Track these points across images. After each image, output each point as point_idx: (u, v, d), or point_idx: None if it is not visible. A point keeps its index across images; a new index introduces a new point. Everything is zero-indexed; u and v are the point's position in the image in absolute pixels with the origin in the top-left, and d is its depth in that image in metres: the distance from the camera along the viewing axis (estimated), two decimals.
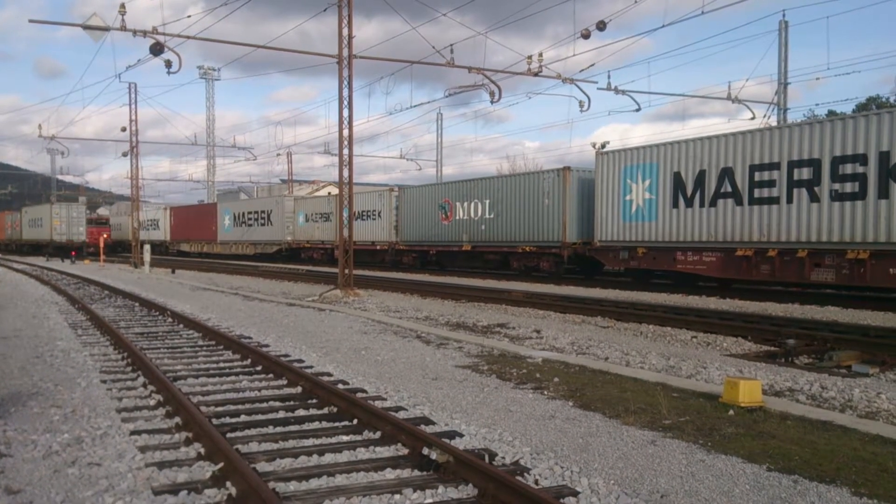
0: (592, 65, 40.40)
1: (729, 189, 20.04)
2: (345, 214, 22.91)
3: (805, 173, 18.28)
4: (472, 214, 30.67)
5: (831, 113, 38.22)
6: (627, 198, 23.16)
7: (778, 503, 4.80)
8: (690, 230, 21.12)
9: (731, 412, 7.01)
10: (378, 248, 37.21)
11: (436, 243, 33.13)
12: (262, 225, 47.53)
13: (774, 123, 31.17)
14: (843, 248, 17.45)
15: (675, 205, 21.56)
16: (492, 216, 29.59)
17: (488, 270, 30.84)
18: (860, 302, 17.79)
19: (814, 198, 18.07)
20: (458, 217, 31.60)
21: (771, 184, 19.02)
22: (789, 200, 18.61)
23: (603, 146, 24.47)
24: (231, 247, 51.57)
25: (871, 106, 41.22)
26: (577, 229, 25.97)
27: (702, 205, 20.79)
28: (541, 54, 24.37)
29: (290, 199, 47.51)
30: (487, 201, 29.83)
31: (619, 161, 23.54)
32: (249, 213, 49.64)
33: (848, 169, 17.38)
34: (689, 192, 21.17)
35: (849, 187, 17.40)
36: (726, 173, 20.09)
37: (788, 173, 18.62)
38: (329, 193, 49.80)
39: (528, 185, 27.99)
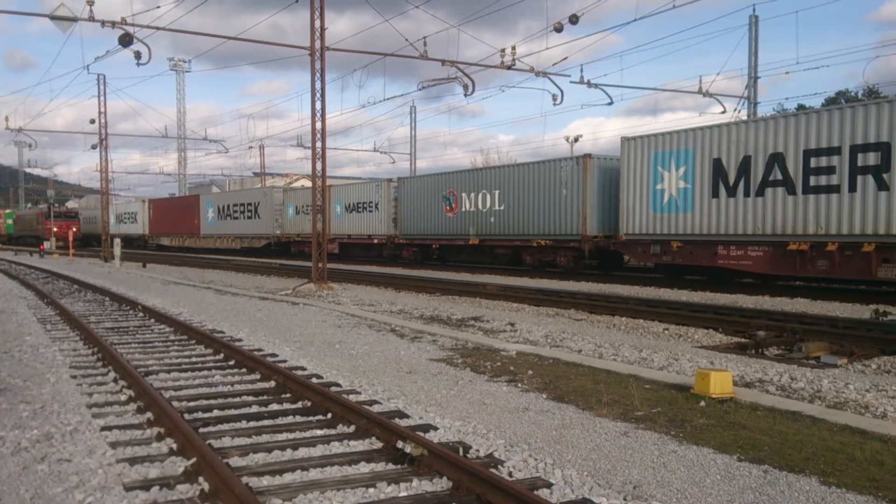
0: (565, 58, 40.63)
1: (779, 176, 18.31)
2: (322, 207, 22.76)
3: (871, 158, 16.57)
4: (480, 206, 29.01)
5: (801, 107, 38.56)
6: (658, 187, 21.41)
7: (748, 493, 4.87)
8: (733, 222, 19.40)
9: (703, 403, 7.08)
10: (375, 241, 35.70)
11: (439, 237, 31.43)
12: (249, 218, 45.39)
13: (744, 117, 31.49)
14: None
15: (715, 194, 19.84)
16: (502, 208, 27.91)
17: (497, 266, 29.37)
18: (829, 294, 18.01)
19: (882, 185, 16.42)
20: (464, 209, 29.87)
21: (830, 170, 17.33)
22: (852, 189, 16.90)
23: (576, 139, 24.51)
24: (215, 241, 49.47)
25: (841, 100, 41.52)
26: (598, 221, 24.41)
27: (747, 194, 19.07)
28: (513, 48, 24.48)
29: (280, 190, 45.11)
30: (497, 192, 28.12)
31: (649, 147, 21.75)
32: (235, 205, 47.25)
33: None
34: (731, 180, 19.44)
35: None
36: (776, 159, 18.38)
37: (851, 159, 16.89)
38: (303, 186, 49.24)
39: (543, 173, 26.20)
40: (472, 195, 29.51)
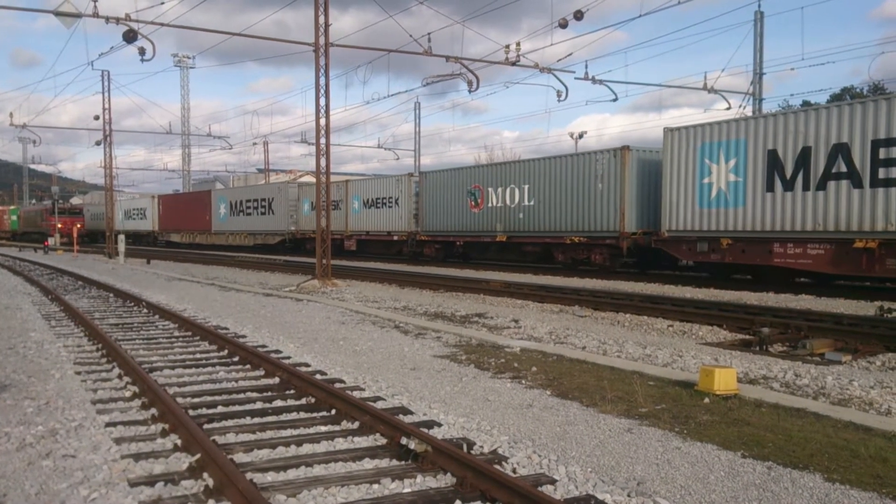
0: (569, 55, 40.41)
1: (843, 169, 17.01)
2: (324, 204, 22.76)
3: None
4: (508, 201, 27.64)
5: (806, 103, 38.36)
6: (705, 181, 20.06)
7: (752, 489, 4.86)
8: (791, 218, 18.10)
9: (707, 400, 7.08)
10: (395, 238, 34.41)
11: (464, 233, 30.14)
12: (263, 214, 43.88)
13: (749, 114, 31.39)
14: None
15: (770, 188, 18.50)
16: (532, 203, 26.56)
17: (525, 264, 28.21)
18: (834, 290, 17.93)
19: None
20: (490, 204, 28.55)
21: None
22: None
23: (581, 136, 24.37)
24: (227, 237, 48.11)
25: (846, 97, 41.37)
26: (637, 217, 23.05)
27: (806, 188, 17.76)
28: (518, 44, 24.43)
29: (294, 186, 43.66)
30: (526, 187, 26.78)
31: (695, 138, 20.41)
32: (248, 201, 45.70)
33: None
34: (788, 172, 18.12)
35: None
36: (839, 150, 17.09)
37: None
38: (310, 180, 48.96)
39: (577, 167, 24.80)
40: (500, 190, 28.15)
